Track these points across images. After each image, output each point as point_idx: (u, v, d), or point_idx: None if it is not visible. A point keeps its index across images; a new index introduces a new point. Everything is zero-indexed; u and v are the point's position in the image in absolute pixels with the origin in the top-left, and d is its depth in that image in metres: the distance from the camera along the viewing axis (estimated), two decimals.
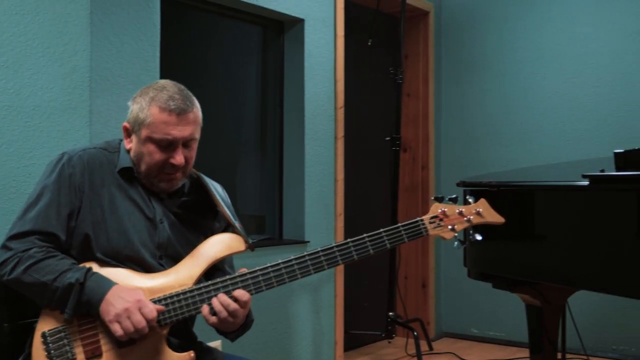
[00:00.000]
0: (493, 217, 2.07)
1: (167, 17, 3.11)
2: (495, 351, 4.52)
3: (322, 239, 3.86)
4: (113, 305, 1.74)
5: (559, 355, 2.93)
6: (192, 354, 1.87)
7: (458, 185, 2.71)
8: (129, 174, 1.96)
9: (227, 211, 2.03)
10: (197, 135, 1.97)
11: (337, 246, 1.94)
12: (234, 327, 1.89)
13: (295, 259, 1.92)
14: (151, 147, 1.90)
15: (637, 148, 2.27)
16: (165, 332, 1.85)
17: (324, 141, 3.95)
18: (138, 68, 2.89)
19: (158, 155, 1.90)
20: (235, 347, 3.32)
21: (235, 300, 1.83)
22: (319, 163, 3.91)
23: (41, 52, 2.58)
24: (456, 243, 2.06)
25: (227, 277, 1.89)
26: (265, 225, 3.93)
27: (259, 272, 1.90)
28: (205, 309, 1.84)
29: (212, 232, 2.04)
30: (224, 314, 1.82)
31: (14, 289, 1.83)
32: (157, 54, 2.99)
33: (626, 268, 2.02)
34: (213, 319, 1.83)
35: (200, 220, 2.06)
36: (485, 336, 4.77)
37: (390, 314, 4.15)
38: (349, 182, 4.21)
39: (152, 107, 1.89)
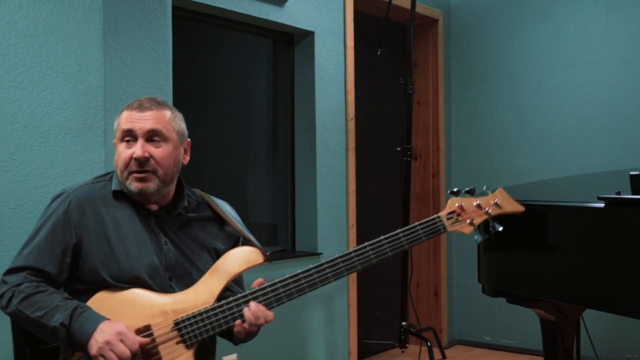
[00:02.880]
0: (512, 206, 2.02)
1: (177, 31, 3.13)
2: (508, 359, 4.51)
3: (335, 251, 3.83)
4: (96, 340, 1.77)
5: None
6: None
7: None
8: (120, 196, 1.97)
9: (239, 226, 2.04)
10: (165, 132, 1.94)
11: (354, 251, 1.94)
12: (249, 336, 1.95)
13: (314, 267, 1.93)
14: (120, 148, 1.95)
15: None
16: (192, 351, 1.87)
17: (335, 153, 3.96)
18: (151, 86, 2.91)
19: (124, 153, 1.93)
20: None
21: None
22: (330, 175, 3.92)
23: (56, 73, 2.60)
24: (476, 237, 2.01)
25: (248, 291, 1.91)
26: (277, 233, 3.94)
27: (278, 284, 1.92)
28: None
29: (217, 249, 2.05)
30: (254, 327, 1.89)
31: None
32: (170, 71, 3.00)
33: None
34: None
35: (203, 239, 2.05)
36: (498, 344, 4.77)
37: (404, 323, 4.15)
38: (361, 193, 4.21)
39: (122, 112, 1.97)
